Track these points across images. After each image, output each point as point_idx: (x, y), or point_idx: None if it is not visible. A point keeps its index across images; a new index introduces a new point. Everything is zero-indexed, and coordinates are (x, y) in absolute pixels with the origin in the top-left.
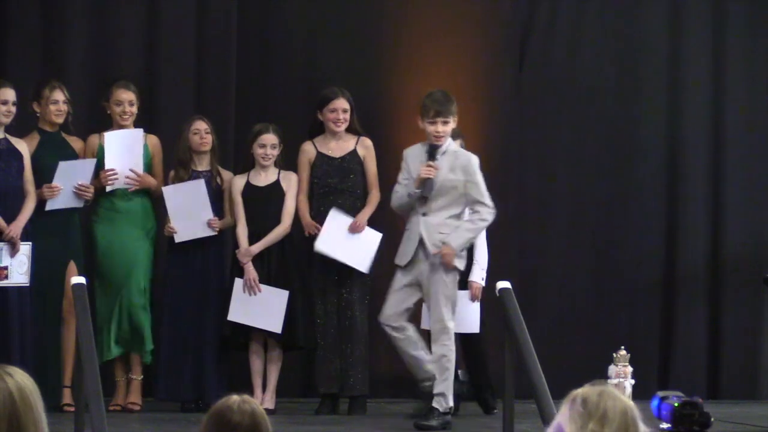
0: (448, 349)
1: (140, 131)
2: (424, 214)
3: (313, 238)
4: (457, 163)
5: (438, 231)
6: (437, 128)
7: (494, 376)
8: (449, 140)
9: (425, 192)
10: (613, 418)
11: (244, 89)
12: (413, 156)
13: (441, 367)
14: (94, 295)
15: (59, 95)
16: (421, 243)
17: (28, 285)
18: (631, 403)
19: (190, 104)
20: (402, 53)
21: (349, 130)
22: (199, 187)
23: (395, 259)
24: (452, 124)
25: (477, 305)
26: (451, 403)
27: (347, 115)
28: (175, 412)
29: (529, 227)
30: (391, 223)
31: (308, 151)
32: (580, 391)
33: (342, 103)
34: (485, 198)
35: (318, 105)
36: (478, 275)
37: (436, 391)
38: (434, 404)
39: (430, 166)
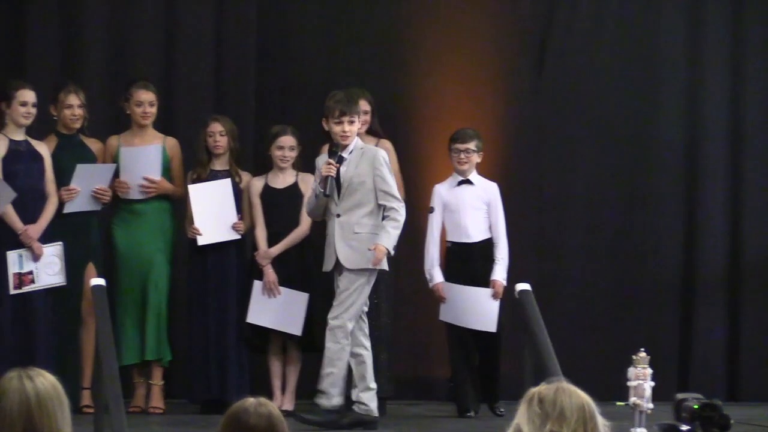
0: (341, 347)
1: (159, 146)
2: (338, 216)
3: None
4: (364, 158)
5: (353, 230)
6: (344, 128)
7: (507, 377)
8: (356, 139)
9: (328, 190)
10: (571, 415)
11: (263, 91)
12: (322, 160)
13: (357, 371)
14: (113, 298)
15: (74, 100)
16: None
17: (64, 284)
18: (587, 398)
19: (208, 106)
20: (422, 55)
21: (369, 131)
22: (225, 186)
23: (324, 266)
24: (357, 124)
25: (497, 304)
26: (336, 402)
27: (368, 117)
28: (195, 414)
29: (548, 228)
30: (405, 223)
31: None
32: (536, 390)
33: (363, 105)
34: (395, 191)
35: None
36: (501, 273)
37: (354, 397)
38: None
39: (330, 164)
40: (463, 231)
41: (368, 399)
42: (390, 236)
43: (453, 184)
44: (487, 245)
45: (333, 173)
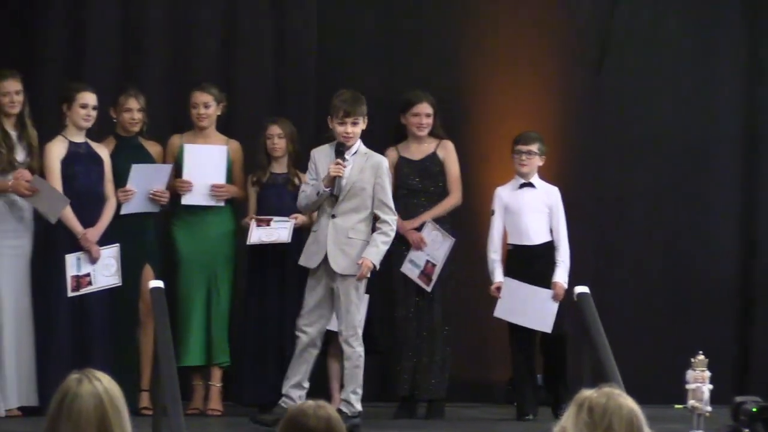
0: (358, 354)
1: (225, 148)
2: (333, 216)
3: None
4: (368, 164)
5: (347, 235)
6: (347, 129)
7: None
8: (359, 142)
9: (335, 190)
10: (619, 428)
11: (323, 92)
12: (322, 156)
13: (352, 373)
14: (175, 300)
15: (134, 103)
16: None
17: (120, 285)
18: (637, 410)
19: (268, 108)
20: (480, 56)
21: (431, 133)
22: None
23: (301, 260)
24: (362, 125)
25: (555, 306)
26: (358, 408)
27: (430, 120)
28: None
29: (606, 229)
30: (464, 226)
31: (390, 156)
32: (587, 396)
33: (425, 108)
34: (392, 203)
35: (401, 109)
36: (563, 276)
37: (343, 396)
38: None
39: (338, 163)
40: (524, 234)
41: (356, 400)
42: (379, 251)
43: (515, 187)
44: (548, 248)
45: (342, 174)
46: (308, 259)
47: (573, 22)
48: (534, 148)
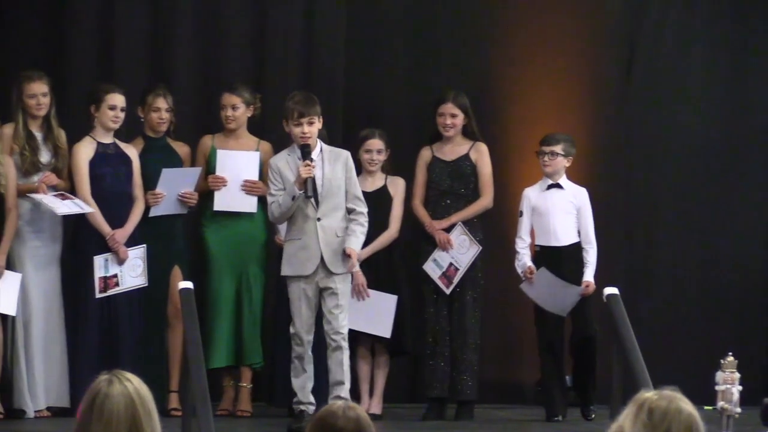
0: (346, 355)
1: (257, 154)
2: (318, 219)
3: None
4: (338, 159)
5: (335, 234)
6: (303, 129)
7: (599, 382)
8: (320, 141)
9: (308, 192)
10: None
11: (351, 94)
12: (282, 163)
13: (346, 372)
14: (204, 301)
15: (162, 103)
16: (321, 251)
17: (146, 285)
18: (696, 416)
19: None
20: (510, 57)
21: (466, 134)
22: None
23: (288, 270)
24: (318, 125)
25: (577, 299)
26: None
27: (456, 120)
28: (283, 417)
29: (636, 230)
30: (494, 228)
31: (425, 155)
32: (648, 398)
33: (449, 108)
34: (361, 194)
35: (432, 109)
36: (592, 276)
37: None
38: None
39: (308, 164)
40: (552, 235)
41: (347, 394)
42: (359, 241)
43: (542, 188)
44: (576, 249)
45: (313, 174)
46: (299, 266)
47: (603, 24)
48: (558, 149)
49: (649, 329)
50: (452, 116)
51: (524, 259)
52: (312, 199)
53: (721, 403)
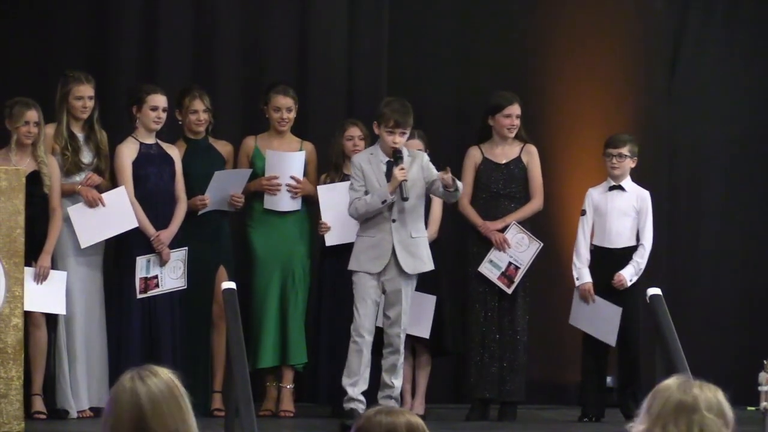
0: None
1: (302, 154)
2: (393, 221)
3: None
4: (421, 162)
5: (410, 235)
6: (395, 139)
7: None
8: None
9: (405, 194)
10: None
11: (395, 94)
12: (365, 163)
13: (399, 377)
14: (250, 301)
15: (199, 105)
16: (393, 251)
17: (185, 287)
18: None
19: (341, 109)
20: (554, 59)
21: (516, 136)
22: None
23: (355, 265)
24: (407, 136)
25: (619, 320)
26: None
27: (518, 122)
28: (326, 417)
29: (680, 232)
30: (541, 229)
31: (474, 155)
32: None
33: (516, 109)
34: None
35: (491, 110)
36: (629, 272)
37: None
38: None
39: (403, 168)
40: (607, 236)
41: (397, 396)
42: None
43: (605, 189)
44: (629, 253)
45: (407, 177)
46: (368, 263)
47: (646, 23)
48: (625, 150)
49: (692, 330)
50: (517, 117)
51: (583, 269)
52: (407, 200)
53: (764, 404)
